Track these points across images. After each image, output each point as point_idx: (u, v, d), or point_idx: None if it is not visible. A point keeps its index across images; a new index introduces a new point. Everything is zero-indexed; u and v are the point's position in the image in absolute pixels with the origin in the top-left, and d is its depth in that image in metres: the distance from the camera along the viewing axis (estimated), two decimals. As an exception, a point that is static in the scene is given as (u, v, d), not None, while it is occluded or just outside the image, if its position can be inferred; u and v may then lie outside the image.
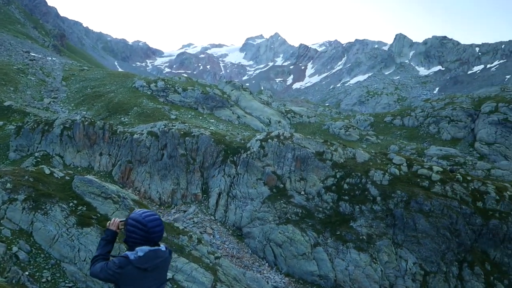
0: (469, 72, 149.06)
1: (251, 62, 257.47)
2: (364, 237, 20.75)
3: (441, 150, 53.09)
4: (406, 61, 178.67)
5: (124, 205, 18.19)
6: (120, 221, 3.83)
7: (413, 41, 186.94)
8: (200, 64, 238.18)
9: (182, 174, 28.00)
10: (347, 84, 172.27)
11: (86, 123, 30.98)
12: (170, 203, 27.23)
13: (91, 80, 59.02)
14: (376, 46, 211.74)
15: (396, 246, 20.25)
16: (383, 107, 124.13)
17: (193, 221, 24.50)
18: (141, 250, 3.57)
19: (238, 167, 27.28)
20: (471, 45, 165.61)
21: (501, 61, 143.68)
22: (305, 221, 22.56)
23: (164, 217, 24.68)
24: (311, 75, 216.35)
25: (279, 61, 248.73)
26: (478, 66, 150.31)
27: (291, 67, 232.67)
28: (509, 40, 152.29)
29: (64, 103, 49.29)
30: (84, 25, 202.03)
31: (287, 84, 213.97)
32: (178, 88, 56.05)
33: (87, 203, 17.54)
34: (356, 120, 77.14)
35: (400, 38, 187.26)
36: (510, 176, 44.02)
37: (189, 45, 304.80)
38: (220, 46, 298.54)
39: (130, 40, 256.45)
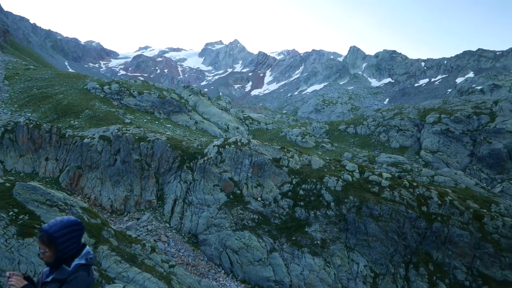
0: (416, 84, 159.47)
1: (210, 68, 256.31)
2: (318, 241, 21.24)
3: (390, 157, 56.07)
4: (359, 72, 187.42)
5: (72, 213, 17.18)
6: (16, 275, 3.18)
7: (366, 53, 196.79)
8: (157, 68, 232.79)
9: (136, 180, 27.04)
10: (304, 92, 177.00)
11: (31, 125, 28.98)
12: (122, 210, 26.13)
13: (38, 80, 55.42)
14: (331, 56, 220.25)
15: (348, 250, 20.94)
16: (338, 116, 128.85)
17: (147, 228, 23.69)
18: (85, 252, 3.43)
19: (195, 173, 26.88)
20: (418, 60, 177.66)
21: (444, 76, 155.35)
22: (262, 227, 22.67)
23: (115, 225, 23.62)
24: (269, 83, 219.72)
25: (238, 67, 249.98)
26: (424, 80, 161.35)
27: (250, 74, 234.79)
28: (450, 57, 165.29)
29: (6, 104, 45.78)
30: (32, 21, 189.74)
31: (245, 90, 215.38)
32: (133, 91, 54.30)
33: (30, 211, 16.34)
34: (312, 128, 79.44)
35: (354, 51, 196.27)
36: (451, 182, 47.45)
37: (146, 47, 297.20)
38: (178, 50, 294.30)
39: (83, 40, 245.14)
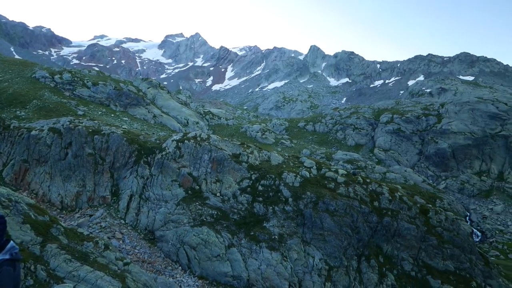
0: (372, 85, 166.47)
1: (170, 60, 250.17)
2: (276, 236, 21.59)
3: (346, 154, 58.23)
4: (319, 71, 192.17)
5: (17, 210, 16.07)
6: None
7: (325, 53, 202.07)
8: (114, 58, 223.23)
9: (89, 175, 25.84)
10: (265, 89, 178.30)
11: (-30, 115, 26.65)
12: (74, 206, 24.89)
13: (-21, 65, 51.10)
14: (292, 55, 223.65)
15: (305, 244, 21.50)
16: (298, 113, 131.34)
17: (100, 225, 22.75)
18: (9, 247, 3.29)
19: (152, 168, 26.20)
20: (374, 62, 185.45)
21: (397, 78, 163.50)
22: (220, 222, 22.61)
23: (66, 223, 22.45)
24: (230, 78, 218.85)
25: (199, 61, 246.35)
26: (379, 81, 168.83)
27: (211, 68, 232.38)
28: (403, 60, 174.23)
29: None
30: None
31: (206, 85, 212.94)
32: (87, 82, 51.71)
33: (-32, 208, 15.06)
34: (273, 124, 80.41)
35: (314, 50, 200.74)
36: (401, 178, 50.23)
37: (102, 36, 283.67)
38: (137, 40, 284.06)
39: (31, 25, 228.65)
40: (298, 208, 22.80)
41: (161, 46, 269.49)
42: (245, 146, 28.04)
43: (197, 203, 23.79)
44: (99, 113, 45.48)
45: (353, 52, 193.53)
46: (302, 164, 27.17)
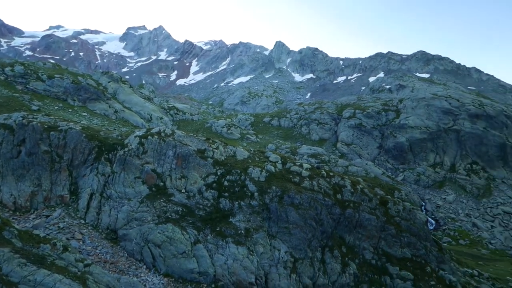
0: (335, 81, 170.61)
1: (132, 54, 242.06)
2: (242, 231, 21.70)
3: (310, 149, 59.45)
4: (284, 67, 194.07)
5: (-36, 212, 14.98)
6: None
7: (290, 49, 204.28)
8: (71, 50, 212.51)
9: (45, 174, 24.57)
10: (230, 84, 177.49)
11: None
12: (28, 207, 23.59)
13: None
14: (258, 50, 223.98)
15: (270, 238, 21.78)
16: (263, 108, 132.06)
17: (58, 226, 21.76)
18: None
19: (114, 165, 25.36)
20: (337, 58, 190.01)
21: (359, 74, 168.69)
22: (186, 219, 22.37)
23: (20, 224, 21.25)
24: (195, 73, 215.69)
25: (162, 55, 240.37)
26: (342, 77, 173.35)
27: (175, 62, 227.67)
28: (365, 58, 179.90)
29: None
30: None
31: (170, 79, 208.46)
32: (42, 75, 48.93)
33: None
34: (238, 120, 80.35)
35: (279, 45, 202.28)
36: (362, 171, 52.09)
37: (58, 27, 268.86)
38: (96, 32, 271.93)
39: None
40: (264, 202, 23.03)
41: (122, 38, 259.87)
42: (211, 141, 27.84)
43: (161, 200, 23.36)
44: (56, 108, 43.25)
45: (317, 49, 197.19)
46: (268, 159, 27.42)
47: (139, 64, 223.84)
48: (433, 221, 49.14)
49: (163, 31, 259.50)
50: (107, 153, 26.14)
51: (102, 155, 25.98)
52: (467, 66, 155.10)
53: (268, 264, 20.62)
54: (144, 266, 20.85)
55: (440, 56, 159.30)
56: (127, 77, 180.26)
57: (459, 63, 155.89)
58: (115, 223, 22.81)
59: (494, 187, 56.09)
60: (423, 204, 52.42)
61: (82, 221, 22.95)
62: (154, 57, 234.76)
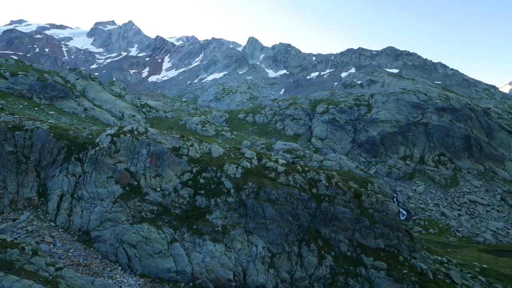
0: (308, 77, 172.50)
1: (101, 50, 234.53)
2: (219, 228, 21.61)
3: (285, 144, 59.93)
4: (258, 63, 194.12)
5: None
6: None
7: (264, 45, 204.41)
8: (35, 46, 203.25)
9: (11, 176, 23.46)
10: (204, 80, 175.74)
11: None
12: (-7, 211, 22.44)
13: None
14: (231, 46, 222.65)
15: (248, 234, 21.83)
16: (237, 105, 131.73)
17: (27, 230, 20.85)
18: None
19: (85, 164, 24.56)
20: (309, 54, 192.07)
21: (331, 70, 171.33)
22: (162, 218, 22.02)
23: (-16, 229, 20.20)
24: (168, 69, 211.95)
25: (133, 51, 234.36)
26: (315, 73, 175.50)
27: (147, 59, 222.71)
28: (337, 53, 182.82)
29: None
30: None
31: (142, 76, 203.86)
32: (4, 72, 46.55)
33: None
34: (213, 116, 79.75)
35: (253, 41, 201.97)
36: (337, 165, 53.08)
37: (20, 21, 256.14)
38: (62, 27, 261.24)
39: None
40: (241, 199, 23.02)
41: (90, 34, 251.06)
42: (185, 139, 27.49)
43: (136, 200, 22.87)
44: (20, 106, 41.32)
45: (290, 45, 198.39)
46: (243, 155, 27.40)
47: (108, 60, 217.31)
48: (404, 212, 50.91)
49: (133, 27, 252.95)
50: (77, 153, 25.27)
51: (72, 155, 25.09)
52: (433, 61, 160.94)
53: (246, 260, 20.67)
54: (119, 267, 20.37)
55: (408, 51, 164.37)
56: (97, 74, 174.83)
57: (426, 59, 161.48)
58: (87, 225, 22.13)
59: (460, 177, 58.72)
60: (395, 195, 54.16)
61: (52, 224, 22.11)
62: (124, 53, 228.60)
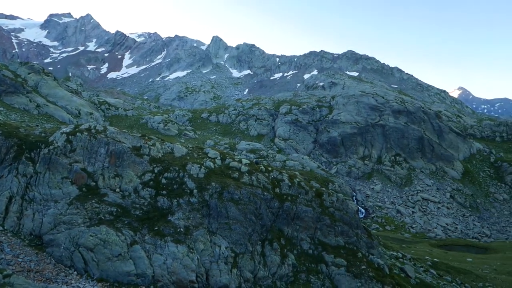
0: (272, 78, 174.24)
1: (56, 43, 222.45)
2: (181, 229, 21.23)
3: (249, 144, 60.12)
4: (222, 62, 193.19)
5: None
6: None
7: (228, 44, 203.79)
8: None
9: (-48, 176, 21.60)
10: (166, 78, 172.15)
11: None
12: None
13: None
14: (195, 44, 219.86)
15: (211, 234, 21.63)
16: (201, 104, 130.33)
17: (-30, 235, 19.29)
18: None
19: (38, 164, 23.16)
20: (273, 55, 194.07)
21: (294, 71, 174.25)
22: (121, 219, 21.25)
23: None
24: (128, 66, 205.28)
25: (91, 46, 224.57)
26: (278, 74, 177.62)
27: (106, 54, 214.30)
28: (300, 55, 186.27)
29: None
30: None
31: (101, 72, 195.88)
32: None
33: None
34: (175, 115, 78.31)
35: (217, 41, 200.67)
36: (299, 165, 54.06)
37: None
38: (12, 18, 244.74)
39: None
40: (204, 199, 22.77)
41: (44, 26, 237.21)
42: (147, 138, 26.74)
43: (93, 201, 21.90)
44: (-36, 102, 38.25)
45: (254, 45, 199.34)
46: (207, 155, 27.14)
47: (64, 55, 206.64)
48: (363, 210, 52.88)
49: (92, 20, 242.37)
50: (29, 152, 23.77)
51: (23, 154, 23.56)
52: (390, 66, 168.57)
53: (209, 260, 20.48)
54: (75, 272, 19.41)
55: (367, 56, 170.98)
56: (51, 68, 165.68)
57: (384, 63, 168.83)
58: (40, 228, 20.88)
59: (414, 177, 61.97)
60: (354, 194, 56.12)
61: (0, 228, 20.63)
62: (81, 48, 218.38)
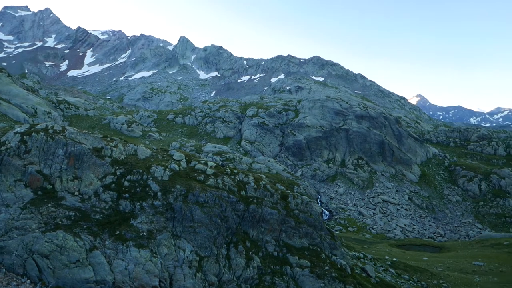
0: (239, 80, 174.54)
1: (10, 37, 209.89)
2: (144, 233, 20.67)
3: (215, 147, 59.75)
4: (189, 63, 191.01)
5: None
6: None
7: (195, 45, 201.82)
8: None
9: None
10: (131, 78, 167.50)
11: None
12: None
13: None
14: (161, 44, 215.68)
15: (175, 238, 21.22)
16: (167, 105, 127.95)
17: None
18: None
19: (-12, 166, 21.65)
20: (241, 58, 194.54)
21: (262, 75, 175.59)
22: (80, 224, 20.34)
23: None
24: (90, 64, 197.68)
25: (50, 42, 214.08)
26: (246, 77, 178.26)
27: (66, 51, 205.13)
28: (267, 59, 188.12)
29: None
30: None
31: (60, 70, 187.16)
32: None
33: None
34: (140, 116, 76.26)
35: (184, 41, 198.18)
36: (265, 168, 54.43)
37: None
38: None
39: None
40: (168, 202, 22.32)
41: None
42: (109, 139, 25.82)
43: (49, 205, 20.80)
44: None
45: (222, 47, 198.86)
46: (171, 157, 26.65)
47: (20, 50, 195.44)
48: (327, 212, 54.13)
49: (51, 15, 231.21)
50: (-22, 153, 22.18)
51: (-29, 155, 21.95)
52: (354, 72, 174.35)
53: (173, 265, 20.08)
54: (28, 280, 18.31)
55: (333, 62, 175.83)
56: (5, 64, 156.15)
57: (348, 69, 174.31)
58: (-12, 234, 19.49)
59: (375, 179, 64.30)
60: (319, 196, 57.32)
61: None
62: (39, 43, 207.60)
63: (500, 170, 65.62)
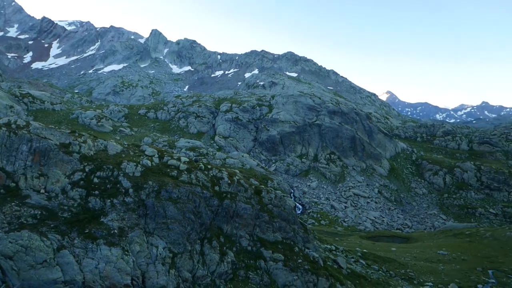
0: (213, 75, 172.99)
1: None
2: (116, 231, 20.18)
3: (189, 142, 59.10)
4: (161, 57, 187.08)
5: None
6: None
7: (168, 39, 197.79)
8: None
9: None
10: (100, 71, 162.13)
11: None
12: None
13: None
14: (132, 37, 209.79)
15: (147, 235, 20.86)
16: (138, 99, 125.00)
17: None
18: None
19: None
20: (215, 53, 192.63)
21: (236, 70, 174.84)
22: (46, 223, 19.56)
23: None
24: (57, 56, 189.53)
25: (12, 32, 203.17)
26: (219, 71, 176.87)
27: (30, 42, 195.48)
28: (241, 54, 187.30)
29: None
30: None
31: (24, 62, 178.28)
32: None
33: None
34: (110, 111, 74.07)
35: (156, 34, 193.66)
36: (239, 163, 54.44)
37: None
38: None
39: None
40: (140, 198, 21.88)
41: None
42: (77, 134, 24.93)
43: (13, 204, 19.87)
44: None
45: (195, 41, 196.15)
46: (143, 153, 26.11)
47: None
48: (300, 206, 54.92)
49: (13, 3, 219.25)
50: None
51: None
52: (327, 68, 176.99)
53: (146, 262, 19.75)
54: (-10, 283, 17.47)
55: (306, 58, 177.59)
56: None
57: (321, 66, 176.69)
58: None
59: (347, 174, 65.83)
60: (292, 191, 58.02)
61: None
62: (0, 33, 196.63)
63: (463, 164, 68.96)
